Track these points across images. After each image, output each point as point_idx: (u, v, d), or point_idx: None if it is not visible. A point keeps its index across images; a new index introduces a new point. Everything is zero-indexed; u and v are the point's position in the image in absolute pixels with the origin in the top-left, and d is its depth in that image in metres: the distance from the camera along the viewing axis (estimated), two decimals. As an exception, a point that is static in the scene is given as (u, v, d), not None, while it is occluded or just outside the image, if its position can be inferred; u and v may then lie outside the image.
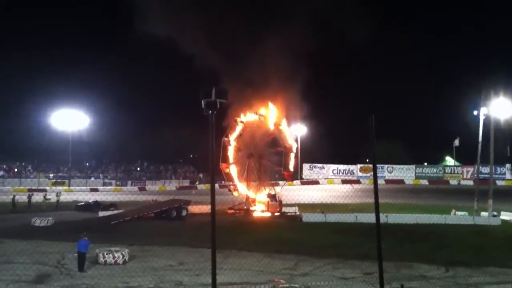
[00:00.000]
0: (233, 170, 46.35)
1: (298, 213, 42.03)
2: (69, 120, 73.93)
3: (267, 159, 45.48)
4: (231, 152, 46.38)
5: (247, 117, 45.66)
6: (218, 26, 49.16)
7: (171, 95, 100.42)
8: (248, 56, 47.22)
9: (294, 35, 47.49)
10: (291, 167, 45.85)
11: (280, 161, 45.32)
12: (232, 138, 46.04)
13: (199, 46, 48.18)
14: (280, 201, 43.45)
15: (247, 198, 44.60)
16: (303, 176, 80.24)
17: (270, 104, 45.30)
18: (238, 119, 45.33)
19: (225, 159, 45.93)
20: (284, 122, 45.72)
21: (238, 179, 46.27)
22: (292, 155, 45.68)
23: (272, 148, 45.69)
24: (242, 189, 45.58)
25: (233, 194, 45.49)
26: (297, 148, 49.56)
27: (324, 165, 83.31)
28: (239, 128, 46.04)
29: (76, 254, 20.55)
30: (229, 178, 46.31)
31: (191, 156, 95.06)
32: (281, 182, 48.92)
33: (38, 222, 35.74)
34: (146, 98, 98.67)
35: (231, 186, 46.09)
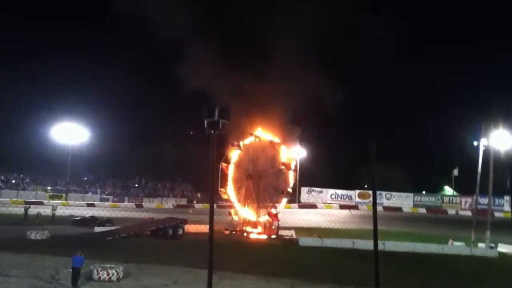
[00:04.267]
0: (231, 194, 46.24)
1: (294, 236, 41.83)
2: (69, 133, 74.09)
3: (266, 181, 45.35)
4: (230, 176, 46.41)
5: (243, 142, 45.94)
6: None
7: (173, 112, 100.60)
8: (246, 70, 47.55)
9: (289, 53, 47.87)
10: (280, 208, 45.74)
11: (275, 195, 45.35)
12: (230, 164, 46.23)
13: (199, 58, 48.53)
14: (276, 224, 43.28)
15: (244, 219, 44.50)
16: (301, 199, 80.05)
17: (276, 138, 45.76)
18: (235, 143, 45.55)
19: (224, 184, 45.96)
20: (292, 164, 45.85)
21: (238, 202, 46.14)
22: (285, 199, 45.69)
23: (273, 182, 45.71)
24: (242, 212, 45.36)
25: (233, 218, 45.22)
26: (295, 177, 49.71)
27: (323, 189, 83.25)
28: (237, 153, 46.24)
29: (71, 270, 20.41)
30: (228, 202, 46.19)
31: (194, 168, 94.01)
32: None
33: (33, 235, 35.53)
34: (147, 114, 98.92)
35: (232, 210, 45.86)
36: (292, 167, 46.08)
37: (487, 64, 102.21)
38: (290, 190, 45.79)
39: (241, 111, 43.75)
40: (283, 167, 44.81)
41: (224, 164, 45.67)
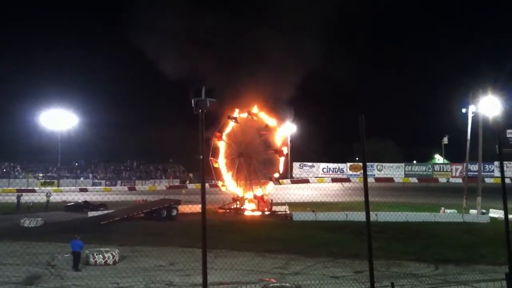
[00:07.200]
0: (222, 165, 46.26)
1: (288, 212, 42.01)
2: (58, 119, 73.61)
3: (256, 162, 45.26)
4: (222, 148, 46.38)
5: (240, 115, 45.62)
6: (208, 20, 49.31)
7: (161, 94, 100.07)
8: (240, 51, 47.28)
9: (286, 32, 47.68)
10: (267, 190, 45.64)
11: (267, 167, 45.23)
12: (224, 134, 46.09)
13: (188, 40, 48.17)
14: (270, 200, 43.49)
15: (237, 197, 44.60)
16: (293, 175, 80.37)
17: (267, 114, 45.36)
18: (231, 115, 45.28)
19: (215, 154, 45.94)
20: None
21: (227, 174, 46.26)
22: (273, 184, 45.68)
23: (263, 154, 45.55)
24: (230, 185, 45.57)
25: (221, 190, 45.44)
26: (286, 155, 49.51)
27: (314, 164, 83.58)
28: (231, 125, 46.01)
29: (67, 255, 20.45)
30: (217, 173, 46.23)
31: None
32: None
33: (27, 222, 35.43)
34: (135, 97, 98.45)
35: (219, 182, 46.06)
36: (285, 152, 45.89)
37: (474, 30, 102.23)
38: (277, 175, 45.73)
39: (238, 85, 43.68)
40: (275, 152, 44.59)
41: (218, 134, 45.57)
